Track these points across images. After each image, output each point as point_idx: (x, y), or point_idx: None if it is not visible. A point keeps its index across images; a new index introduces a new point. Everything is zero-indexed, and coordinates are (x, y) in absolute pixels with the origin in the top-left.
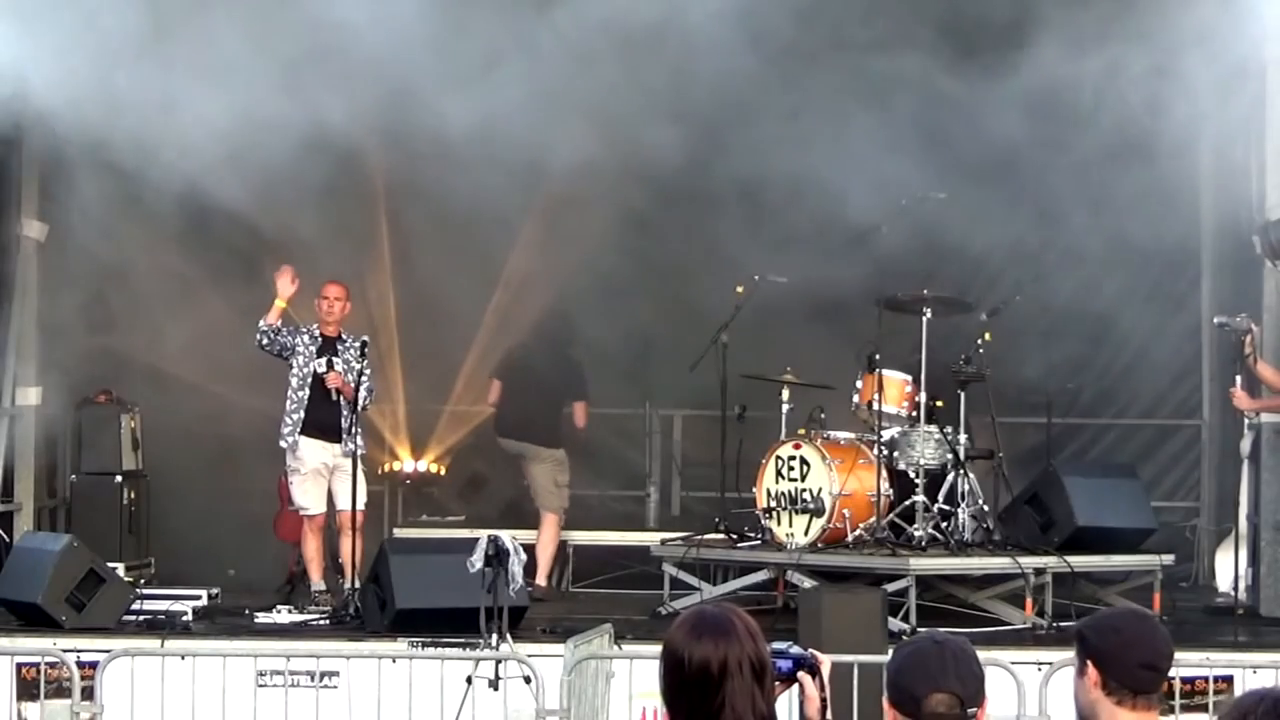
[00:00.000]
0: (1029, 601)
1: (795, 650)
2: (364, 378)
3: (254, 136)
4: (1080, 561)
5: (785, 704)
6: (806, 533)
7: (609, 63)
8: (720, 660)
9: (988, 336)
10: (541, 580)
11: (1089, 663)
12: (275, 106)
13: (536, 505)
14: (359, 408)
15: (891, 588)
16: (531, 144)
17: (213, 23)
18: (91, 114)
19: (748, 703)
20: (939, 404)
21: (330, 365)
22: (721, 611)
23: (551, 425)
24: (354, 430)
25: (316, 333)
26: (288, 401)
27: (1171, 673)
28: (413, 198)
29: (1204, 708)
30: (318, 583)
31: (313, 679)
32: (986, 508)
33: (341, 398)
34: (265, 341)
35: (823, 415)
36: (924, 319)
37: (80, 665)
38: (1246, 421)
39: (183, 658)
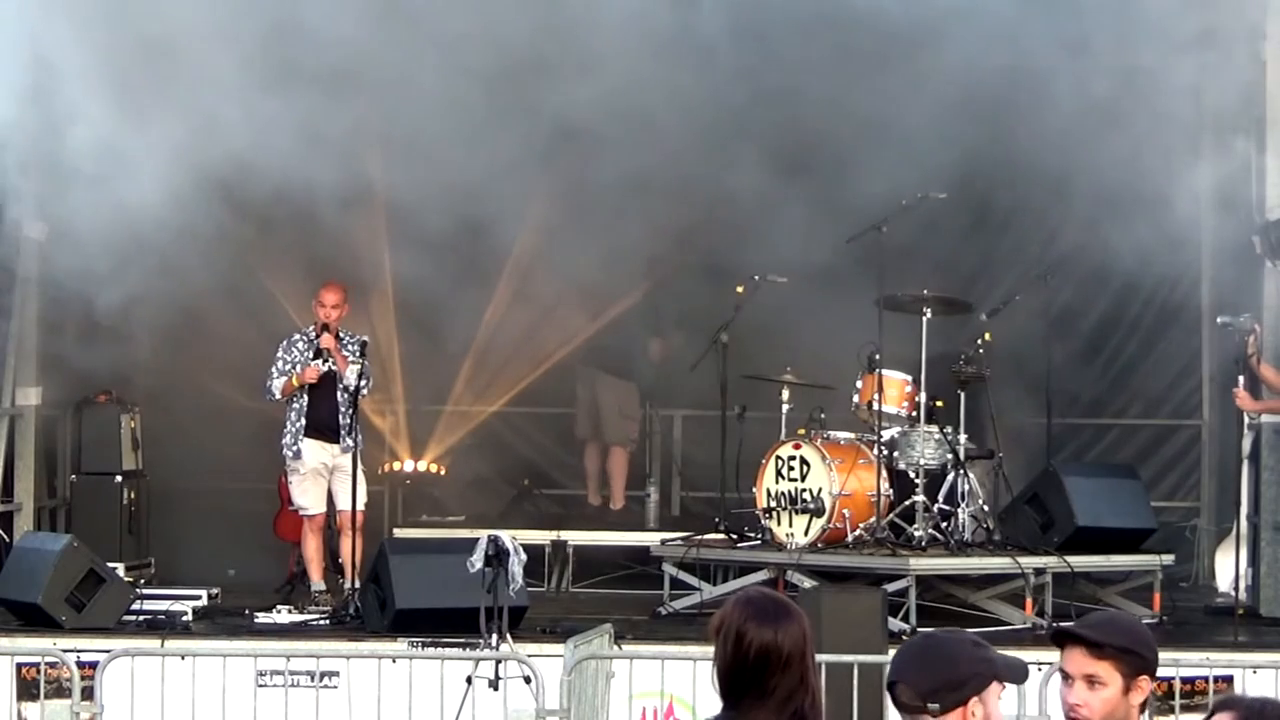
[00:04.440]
0: (1029, 601)
1: None
2: (363, 376)
3: (255, 140)
4: (1080, 561)
5: None
6: (806, 533)
7: (606, 60)
8: (800, 641)
9: (988, 336)
10: (618, 503)
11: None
12: (277, 111)
13: (605, 440)
14: (359, 393)
15: (891, 588)
16: (531, 147)
17: (221, 36)
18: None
19: (815, 678)
20: (939, 404)
21: (324, 330)
22: (774, 594)
23: (623, 356)
24: (353, 428)
25: (312, 335)
26: (290, 411)
27: (1171, 673)
28: (414, 198)
29: (1204, 708)
30: (318, 583)
31: (313, 679)
32: (986, 508)
33: (340, 393)
34: (271, 401)
35: (823, 415)
36: (924, 319)
37: (80, 665)
38: (1247, 421)
39: (183, 658)
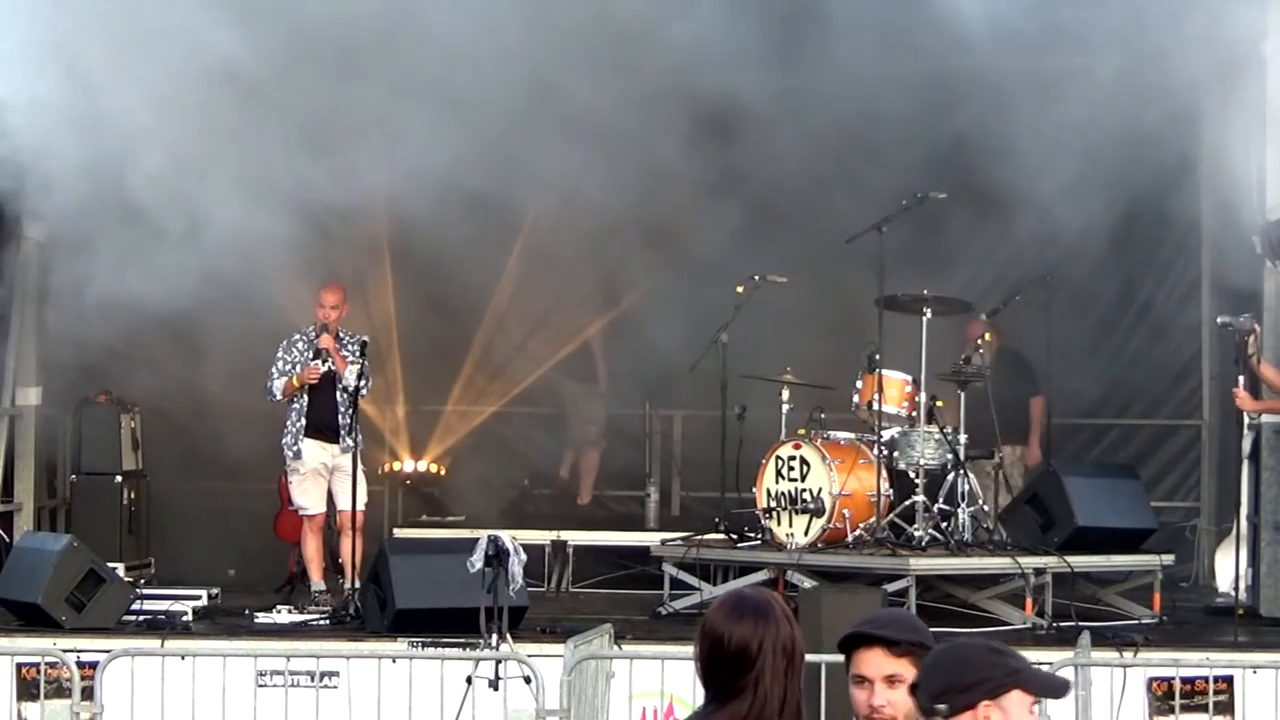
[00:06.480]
0: (1029, 601)
1: None
2: (362, 376)
3: (253, 141)
4: (1080, 561)
5: None
6: (806, 533)
7: (604, 60)
8: (757, 641)
9: (988, 336)
10: (584, 498)
11: None
12: (277, 114)
13: (577, 444)
14: (359, 393)
15: (891, 588)
16: (532, 147)
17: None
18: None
19: (777, 684)
20: (939, 404)
21: (323, 330)
22: (760, 595)
23: (585, 364)
24: (353, 428)
25: (312, 336)
26: (290, 411)
27: (1171, 673)
28: (414, 200)
29: (1204, 708)
30: (318, 583)
31: (313, 679)
32: (986, 508)
33: (339, 393)
34: (272, 402)
35: (823, 415)
36: (924, 319)
37: (80, 665)
38: (1247, 421)
39: (183, 658)
